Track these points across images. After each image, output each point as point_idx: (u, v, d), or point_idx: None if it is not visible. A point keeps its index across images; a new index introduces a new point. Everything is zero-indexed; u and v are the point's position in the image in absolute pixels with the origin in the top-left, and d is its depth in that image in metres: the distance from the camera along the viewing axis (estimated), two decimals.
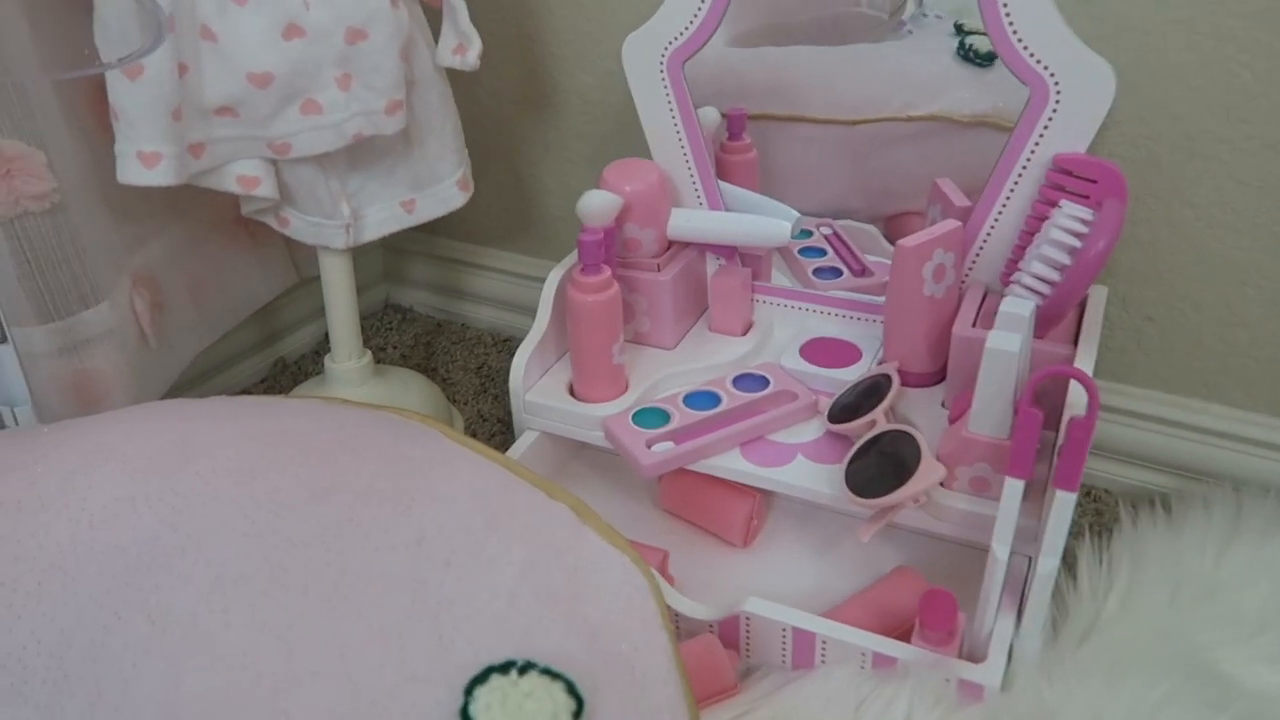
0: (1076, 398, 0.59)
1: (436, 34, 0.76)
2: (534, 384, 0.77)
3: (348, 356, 0.85)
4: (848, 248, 0.89)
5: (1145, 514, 0.72)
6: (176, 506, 0.48)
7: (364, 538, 0.46)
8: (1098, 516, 0.78)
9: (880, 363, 0.75)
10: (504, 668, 0.39)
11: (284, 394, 0.95)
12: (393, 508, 0.48)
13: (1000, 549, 0.57)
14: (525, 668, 0.40)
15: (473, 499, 0.50)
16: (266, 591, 0.43)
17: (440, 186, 0.81)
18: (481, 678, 0.39)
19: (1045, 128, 0.67)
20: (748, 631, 0.62)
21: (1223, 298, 0.75)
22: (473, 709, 0.38)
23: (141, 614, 0.43)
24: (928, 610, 0.58)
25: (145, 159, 0.66)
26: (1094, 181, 0.66)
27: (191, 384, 0.95)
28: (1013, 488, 0.57)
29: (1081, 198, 0.66)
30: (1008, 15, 0.65)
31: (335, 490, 0.49)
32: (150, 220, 0.79)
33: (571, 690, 0.39)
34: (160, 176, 0.66)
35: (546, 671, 0.40)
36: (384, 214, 0.81)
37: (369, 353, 0.87)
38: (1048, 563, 0.57)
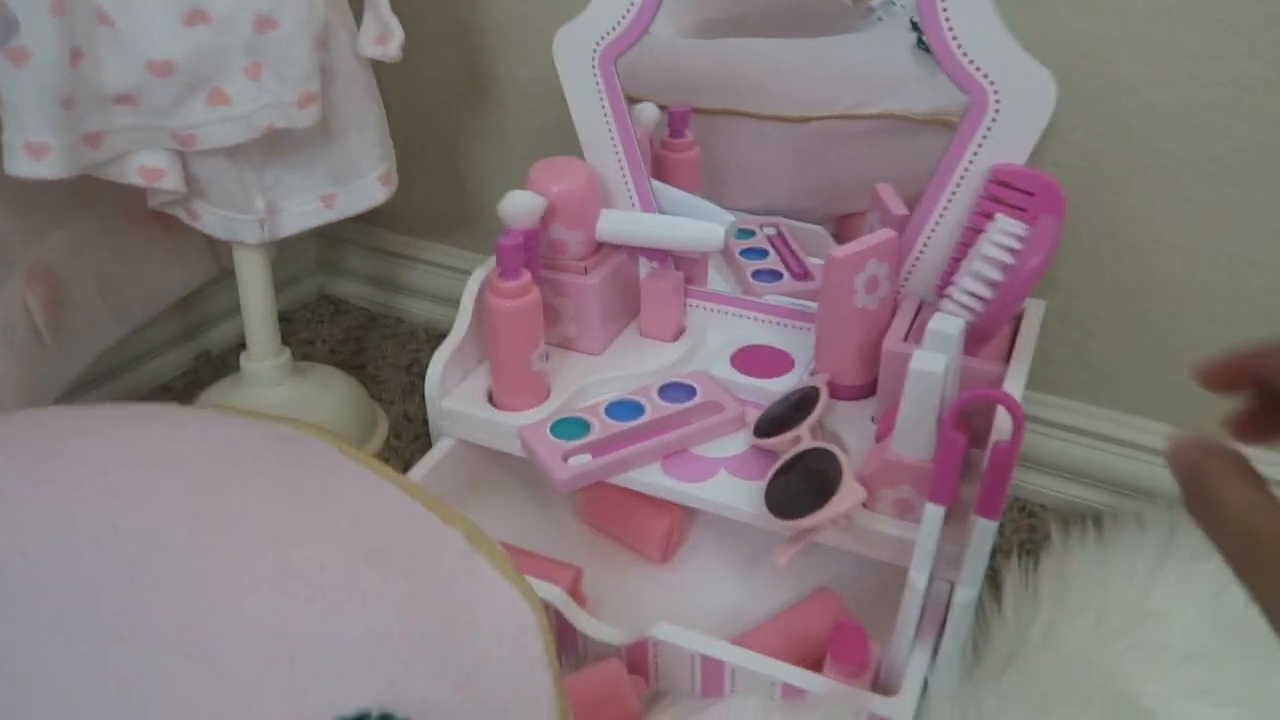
0: (1002, 422, 0.57)
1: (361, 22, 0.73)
2: (452, 389, 0.74)
3: (264, 355, 0.82)
4: (791, 250, 0.87)
5: (1076, 533, 0.70)
6: (30, 530, 0.44)
7: (228, 573, 0.43)
8: (1031, 533, 0.76)
9: (811, 374, 0.73)
10: (358, 719, 0.37)
11: (205, 388, 0.91)
12: (263, 539, 0.45)
13: (918, 577, 0.56)
14: (383, 719, 0.37)
15: (354, 529, 0.47)
16: (117, 633, 0.40)
17: (362, 181, 0.77)
18: None
19: (985, 137, 0.64)
20: (656, 657, 0.59)
21: (1166, 314, 0.73)
22: None
23: None
24: (838, 643, 0.56)
25: (32, 150, 0.62)
26: (1031, 194, 0.64)
27: (107, 376, 0.92)
28: (932, 514, 0.55)
29: (1018, 210, 0.64)
30: (947, 20, 0.63)
31: (204, 519, 0.45)
32: (50, 211, 0.75)
33: None
34: (48, 168, 0.62)
35: None
36: (303, 208, 0.77)
37: (287, 351, 0.84)
38: (966, 593, 0.55)
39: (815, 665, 0.57)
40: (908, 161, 0.77)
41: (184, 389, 0.95)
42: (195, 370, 0.98)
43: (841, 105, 0.81)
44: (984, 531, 0.54)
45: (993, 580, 0.65)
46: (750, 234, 0.88)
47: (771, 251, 0.87)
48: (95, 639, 0.40)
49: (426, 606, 0.44)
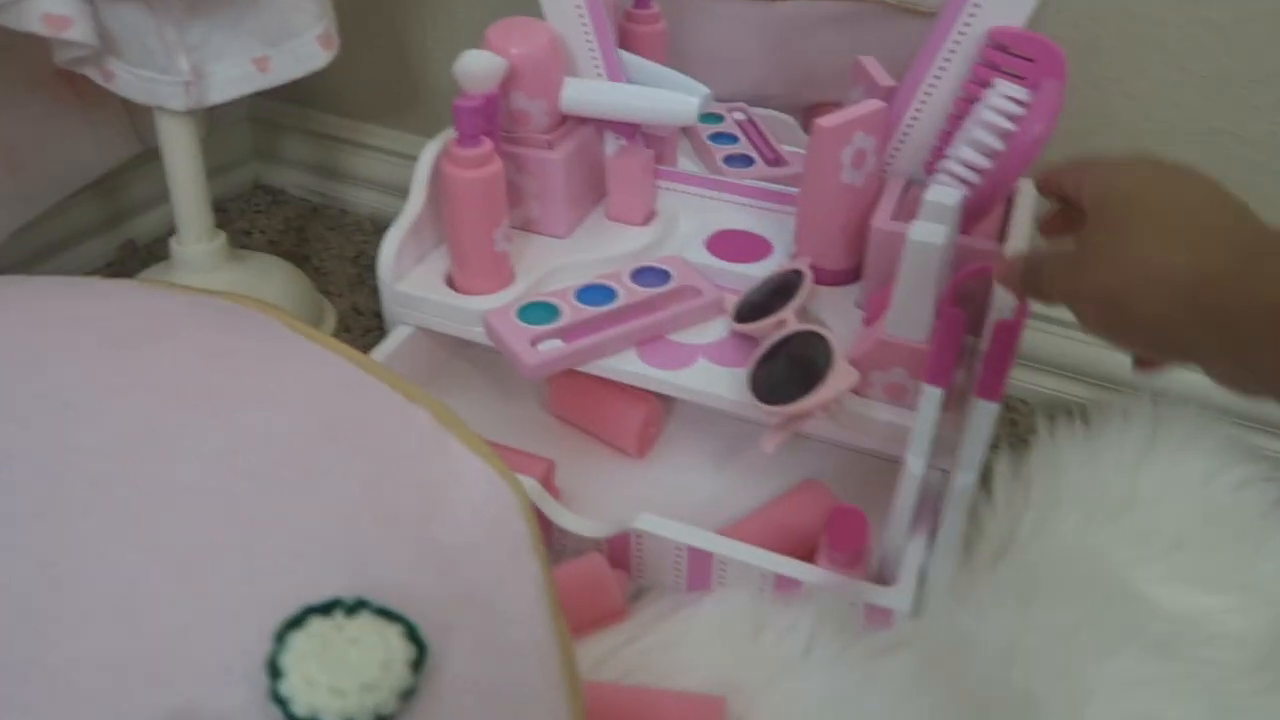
0: (1003, 300, 0.54)
1: None
2: (407, 273, 0.68)
3: (196, 238, 0.75)
4: (761, 135, 0.82)
5: (1063, 426, 0.68)
6: None
7: (165, 447, 0.37)
8: (1013, 427, 0.75)
9: (792, 258, 0.69)
10: (326, 607, 0.32)
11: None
12: (205, 410, 0.39)
13: (915, 463, 0.53)
14: (354, 607, 0.32)
15: (309, 401, 0.41)
16: (37, 511, 0.35)
17: (297, 42, 0.70)
18: (298, 620, 0.31)
19: None
20: (639, 550, 0.56)
21: None
22: (283, 659, 0.30)
23: None
24: (835, 529, 0.53)
25: None
26: (1031, 60, 0.60)
27: (23, 266, 0.84)
28: (930, 396, 0.52)
29: (1017, 78, 0.60)
30: None
31: (134, 388, 0.40)
32: None
33: (412, 634, 0.32)
34: None
35: (382, 612, 0.32)
36: (234, 72, 0.69)
37: (222, 234, 0.77)
38: (965, 478, 0.52)
39: (807, 558, 0.54)
40: (879, 49, 0.72)
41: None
42: (121, 261, 0.90)
43: None
44: (984, 414, 0.51)
45: (983, 476, 0.63)
46: (719, 119, 0.83)
47: (741, 136, 0.82)
48: (9, 520, 0.35)
49: (397, 485, 0.39)
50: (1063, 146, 0.70)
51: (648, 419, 0.65)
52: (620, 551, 0.56)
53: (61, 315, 0.43)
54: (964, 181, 0.59)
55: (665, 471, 0.66)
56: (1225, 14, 0.63)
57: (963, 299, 0.52)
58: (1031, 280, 0.43)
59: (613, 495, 0.64)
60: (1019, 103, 0.57)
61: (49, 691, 0.30)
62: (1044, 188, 0.47)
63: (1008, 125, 0.57)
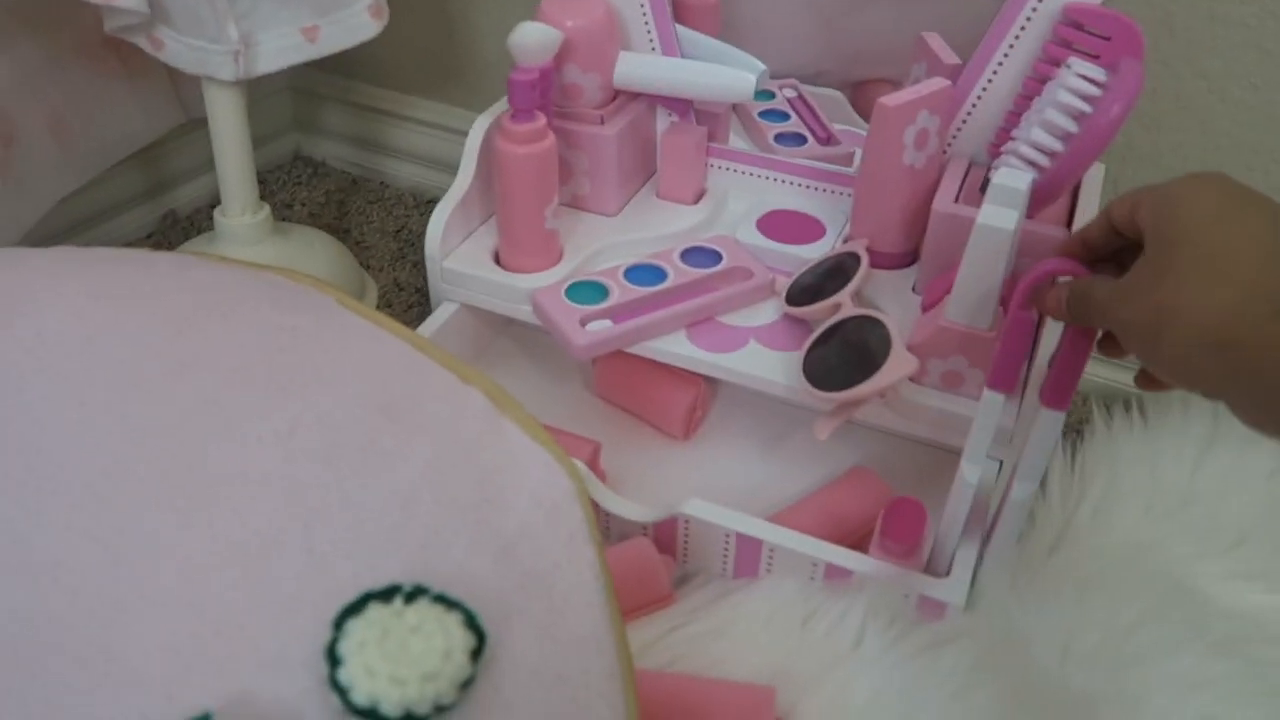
0: None
1: None
2: (454, 249, 0.67)
3: (241, 210, 0.74)
4: (813, 113, 0.80)
5: (1120, 417, 0.66)
6: None
7: (226, 426, 0.37)
8: (1068, 416, 0.72)
9: (846, 240, 0.67)
10: (386, 594, 0.31)
11: (173, 250, 0.83)
12: (265, 390, 0.39)
13: (970, 470, 0.51)
14: (414, 594, 0.32)
15: (367, 381, 0.41)
16: (97, 491, 0.35)
17: (348, 12, 0.69)
18: (357, 607, 0.31)
19: None
20: (686, 535, 0.55)
21: None
22: (342, 647, 0.30)
23: None
24: (893, 519, 0.51)
25: None
26: (1107, 39, 0.57)
27: (65, 234, 0.84)
28: (991, 401, 0.50)
29: (1092, 57, 0.57)
30: None
31: (195, 366, 0.39)
32: None
33: (471, 623, 0.32)
34: None
35: (441, 599, 0.32)
36: (282, 42, 0.69)
37: (266, 207, 0.76)
38: (1025, 487, 0.50)
39: (856, 547, 0.53)
40: (933, 25, 0.70)
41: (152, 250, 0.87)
42: (162, 231, 0.90)
43: None
44: (1049, 423, 0.48)
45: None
46: (770, 95, 0.81)
47: (793, 114, 0.80)
48: (68, 498, 0.34)
49: (455, 468, 0.38)
50: (1133, 129, 0.68)
51: (695, 402, 0.64)
52: (667, 536, 0.56)
53: (122, 290, 0.43)
54: (1033, 164, 0.57)
55: (710, 456, 0.65)
56: None
57: (1034, 301, 0.49)
58: (1078, 309, 0.43)
59: (658, 479, 0.63)
60: (1096, 83, 0.55)
61: (106, 673, 0.30)
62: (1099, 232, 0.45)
63: (1083, 106, 0.55)
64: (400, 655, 0.29)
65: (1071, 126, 0.55)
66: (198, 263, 0.51)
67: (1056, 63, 0.58)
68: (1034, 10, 0.59)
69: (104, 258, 0.48)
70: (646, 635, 0.52)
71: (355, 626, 0.30)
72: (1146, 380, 0.44)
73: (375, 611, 0.31)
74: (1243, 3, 0.62)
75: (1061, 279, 0.45)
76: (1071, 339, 0.46)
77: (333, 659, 0.30)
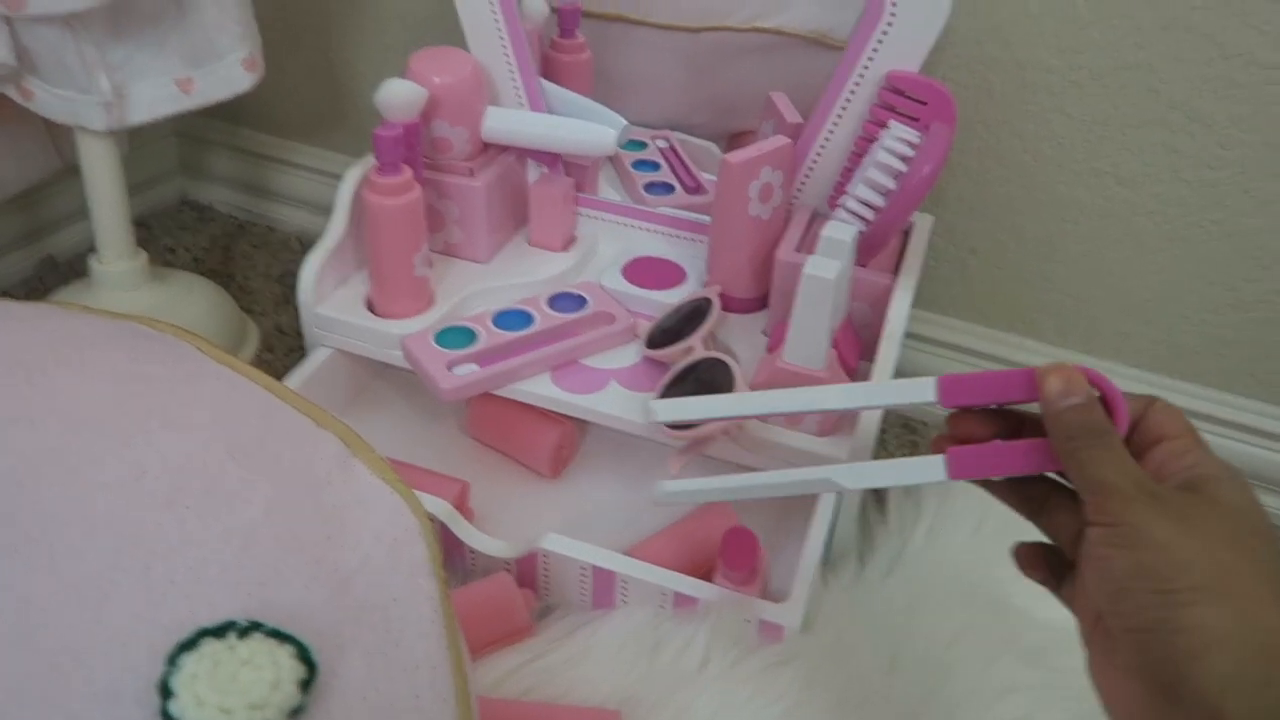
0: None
1: None
2: (328, 295, 0.69)
3: (116, 257, 0.75)
4: (683, 163, 0.85)
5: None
6: None
7: (69, 473, 0.38)
8: (913, 449, 0.78)
9: (704, 286, 0.71)
10: (220, 630, 0.34)
11: (44, 298, 0.83)
12: (112, 437, 0.40)
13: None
14: (248, 629, 0.34)
15: (216, 427, 0.43)
16: None
17: (222, 64, 0.71)
18: (191, 643, 0.33)
19: (880, 42, 0.63)
20: (546, 570, 0.58)
21: (1044, 232, 0.75)
22: (174, 680, 0.32)
23: None
24: (729, 549, 0.55)
25: None
26: (924, 104, 0.63)
27: None
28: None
29: (911, 120, 0.63)
30: None
31: (42, 416, 0.41)
32: None
33: (303, 654, 0.34)
34: None
35: (275, 633, 0.34)
36: (156, 92, 0.70)
37: (143, 253, 0.77)
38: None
39: (709, 575, 0.57)
40: (797, 80, 0.76)
41: (26, 297, 0.87)
42: (39, 277, 0.89)
43: (735, 18, 0.79)
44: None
45: (877, 492, 0.66)
46: (642, 145, 0.85)
47: (664, 164, 0.85)
48: None
49: (298, 508, 0.41)
50: (961, 182, 0.75)
51: (561, 441, 0.67)
52: (529, 571, 0.58)
53: None
54: (860, 217, 0.63)
55: (578, 492, 0.68)
56: (1104, 63, 0.67)
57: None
58: (1080, 437, 0.36)
59: (526, 516, 0.65)
60: (910, 144, 0.60)
61: None
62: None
63: (899, 165, 0.60)
64: (229, 686, 0.32)
65: (890, 183, 0.61)
66: (57, 312, 0.52)
67: (881, 124, 0.64)
68: (861, 76, 0.65)
69: None
70: (505, 666, 0.54)
71: (188, 660, 0.32)
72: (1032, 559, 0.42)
73: (208, 646, 0.33)
74: (1048, 71, 0.69)
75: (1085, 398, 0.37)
76: (1034, 445, 0.40)
77: (165, 692, 0.32)
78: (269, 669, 0.33)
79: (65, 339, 0.47)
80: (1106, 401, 0.38)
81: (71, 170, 0.85)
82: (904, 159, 0.60)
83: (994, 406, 0.42)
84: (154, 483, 0.39)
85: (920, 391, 0.42)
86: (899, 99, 0.64)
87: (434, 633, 0.40)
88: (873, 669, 0.55)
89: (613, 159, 0.82)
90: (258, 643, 0.34)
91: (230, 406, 0.45)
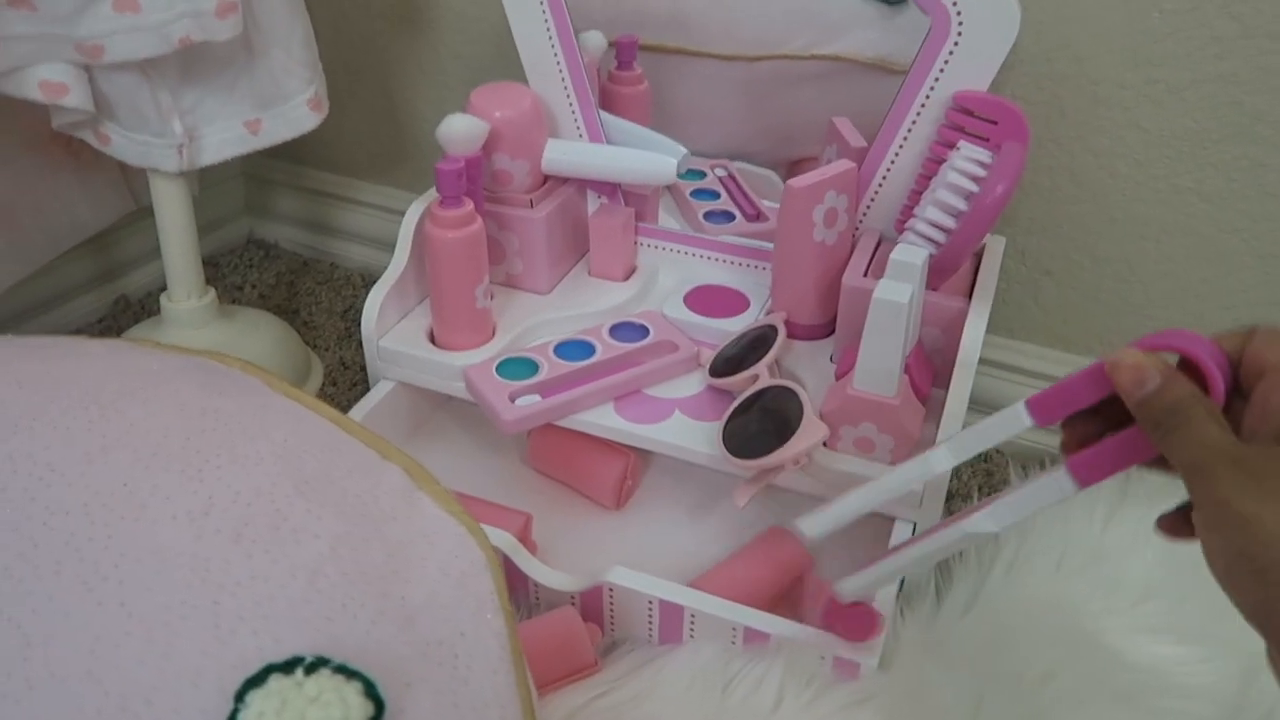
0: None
1: None
2: (390, 328, 0.69)
3: (186, 295, 0.76)
4: (742, 191, 0.84)
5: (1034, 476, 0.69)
6: None
7: (140, 507, 0.39)
8: (988, 477, 0.75)
9: (768, 313, 0.70)
10: (288, 665, 0.33)
11: (118, 336, 0.85)
12: (180, 471, 0.40)
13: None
14: (315, 665, 0.33)
15: (283, 461, 0.43)
16: (12, 574, 0.36)
17: (288, 105, 0.72)
18: (258, 679, 0.32)
19: (946, 63, 0.62)
20: (611, 603, 0.57)
21: (1121, 252, 0.72)
22: (242, 718, 0.31)
23: None
24: (845, 618, 0.52)
25: None
26: (995, 123, 0.62)
27: (16, 321, 0.85)
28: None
29: (981, 140, 0.62)
30: None
31: (114, 449, 0.41)
32: None
33: (370, 691, 0.33)
34: None
35: (342, 669, 0.33)
36: (225, 135, 0.72)
37: (212, 291, 0.78)
38: (986, 523, 0.46)
39: (776, 601, 0.55)
40: (857, 106, 0.75)
41: (100, 335, 0.89)
42: (113, 315, 0.91)
43: (792, 45, 0.79)
44: (1056, 488, 0.42)
45: None
46: (701, 175, 0.85)
47: (723, 193, 0.84)
48: None
49: (364, 543, 0.40)
50: (1033, 202, 0.73)
51: (625, 472, 0.66)
52: (593, 604, 0.57)
53: (48, 378, 0.45)
54: (930, 240, 0.61)
55: (642, 524, 0.67)
56: (1182, 76, 0.65)
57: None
58: (1165, 421, 0.35)
59: (589, 548, 0.64)
60: (982, 164, 0.59)
61: None
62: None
63: (971, 186, 0.59)
64: None
65: (962, 204, 0.59)
66: (129, 348, 0.53)
67: (950, 145, 0.62)
68: (927, 97, 0.64)
69: (35, 345, 0.50)
70: (572, 703, 0.53)
71: (255, 698, 0.32)
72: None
73: (276, 683, 0.32)
74: (1122, 86, 0.66)
75: (1168, 371, 0.36)
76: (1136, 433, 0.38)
77: None
78: (337, 706, 0.32)
79: (136, 374, 0.48)
80: (1192, 365, 0.37)
81: (144, 212, 0.87)
82: (975, 179, 0.59)
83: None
84: (221, 517, 0.39)
85: (1015, 421, 0.43)
86: (968, 119, 0.62)
87: (503, 669, 0.39)
88: (957, 711, 0.52)
89: (671, 188, 0.82)
90: (325, 679, 0.33)
91: (297, 440, 0.45)
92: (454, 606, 0.40)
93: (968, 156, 0.59)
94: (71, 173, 0.79)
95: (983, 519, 0.44)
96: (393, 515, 0.43)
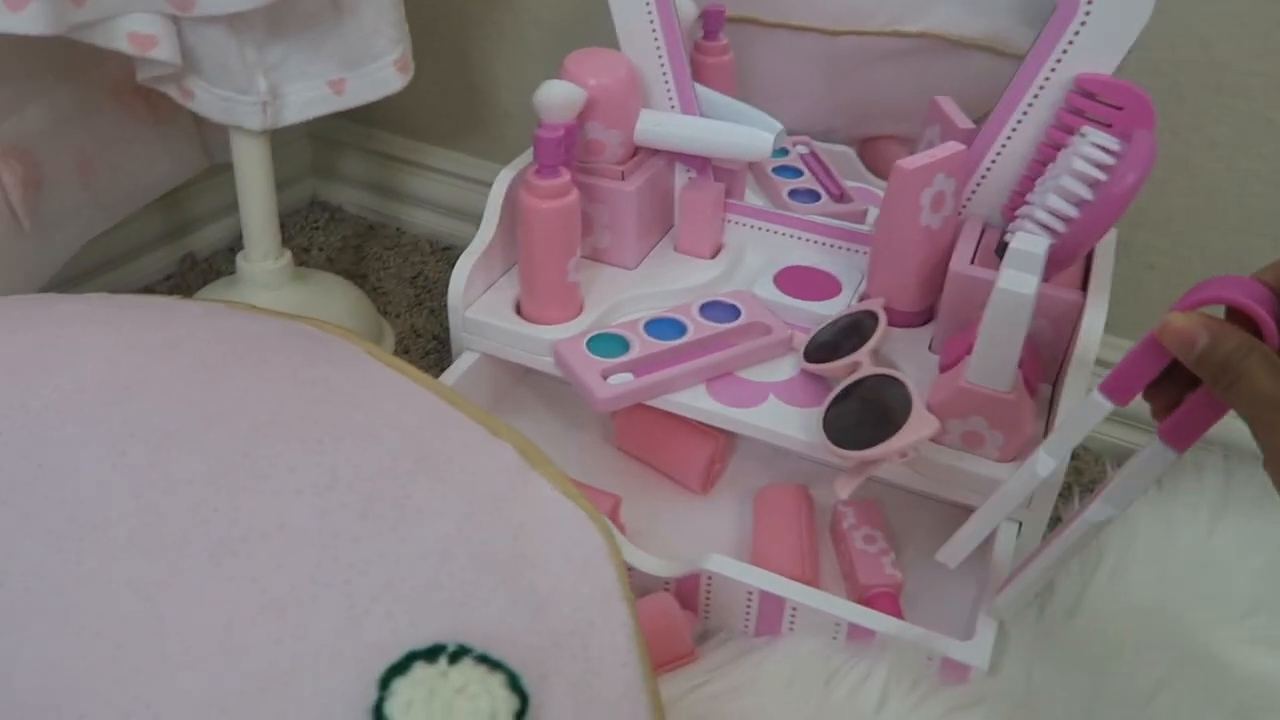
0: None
1: None
2: (476, 299, 0.68)
3: (263, 256, 0.75)
4: (826, 170, 0.81)
5: None
6: (28, 428, 0.38)
7: (263, 478, 0.37)
8: (1078, 475, 0.73)
9: (862, 298, 0.68)
10: (431, 653, 0.32)
11: (191, 293, 0.84)
12: (300, 442, 0.39)
13: (1045, 462, 0.49)
14: (458, 654, 0.32)
15: (399, 434, 0.41)
16: (137, 543, 0.35)
17: (374, 66, 0.70)
18: (402, 666, 0.31)
19: (1070, 43, 0.59)
20: (708, 592, 0.55)
21: (1232, 248, 0.69)
22: (389, 707, 0.30)
23: None
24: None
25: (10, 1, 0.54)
26: (1119, 109, 0.59)
27: (85, 277, 0.84)
28: (1095, 405, 0.46)
29: (1104, 126, 0.59)
30: None
31: (230, 416, 0.40)
32: (27, 82, 0.67)
33: (514, 684, 0.32)
34: (28, 23, 0.55)
35: (484, 659, 0.32)
36: (309, 94, 0.70)
37: (288, 253, 0.77)
38: (1105, 510, 0.47)
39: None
40: (946, 86, 0.72)
41: (168, 293, 0.88)
42: (180, 273, 0.90)
43: (876, 21, 0.76)
44: (1158, 459, 0.45)
45: (1053, 526, 0.62)
46: (784, 152, 0.82)
47: (806, 171, 0.82)
48: (106, 549, 0.35)
49: (489, 525, 0.39)
50: (1144, 194, 0.69)
51: (713, 456, 0.65)
52: (689, 592, 0.55)
53: (154, 340, 0.43)
54: (1049, 229, 0.58)
55: (726, 509, 0.65)
56: None
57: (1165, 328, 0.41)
58: (1220, 375, 0.37)
59: (675, 532, 0.63)
60: (1111, 152, 0.56)
61: None
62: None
63: (1098, 174, 0.56)
64: (447, 717, 0.30)
65: (1087, 194, 0.56)
66: (226, 311, 0.51)
67: (1070, 130, 0.60)
68: (1046, 80, 0.61)
69: (134, 305, 0.49)
70: (669, 693, 0.52)
71: (401, 686, 0.30)
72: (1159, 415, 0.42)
73: (421, 671, 0.31)
74: (1248, 74, 0.63)
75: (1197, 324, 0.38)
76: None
77: (380, 719, 0.30)
78: (484, 699, 0.30)
79: (240, 338, 0.47)
80: (1239, 311, 0.39)
81: (215, 169, 0.86)
82: (1103, 167, 0.56)
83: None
84: (346, 492, 0.37)
85: (1097, 409, 0.45)
86: (1089, 103, 0.59)
87: (631, 662, 0.37)
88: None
89: (753, 166, 0.80)
90: (470, 669, 0.31)
91: (408, 413, 0.44)
92: (581, 595, 0.38)
93: (1095, 143, 0.56)
94: (151, 128, 0.77)
95: (1100, 507, 0.47)
96: (511, 496, 0.41)
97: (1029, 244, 0.54)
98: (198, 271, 0.90)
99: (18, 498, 0.36)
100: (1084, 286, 0.62)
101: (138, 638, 0.32)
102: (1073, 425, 0.47)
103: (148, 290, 0.88)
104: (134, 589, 0.33)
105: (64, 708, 0.30)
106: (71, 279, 0.82)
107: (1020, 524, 0.57)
